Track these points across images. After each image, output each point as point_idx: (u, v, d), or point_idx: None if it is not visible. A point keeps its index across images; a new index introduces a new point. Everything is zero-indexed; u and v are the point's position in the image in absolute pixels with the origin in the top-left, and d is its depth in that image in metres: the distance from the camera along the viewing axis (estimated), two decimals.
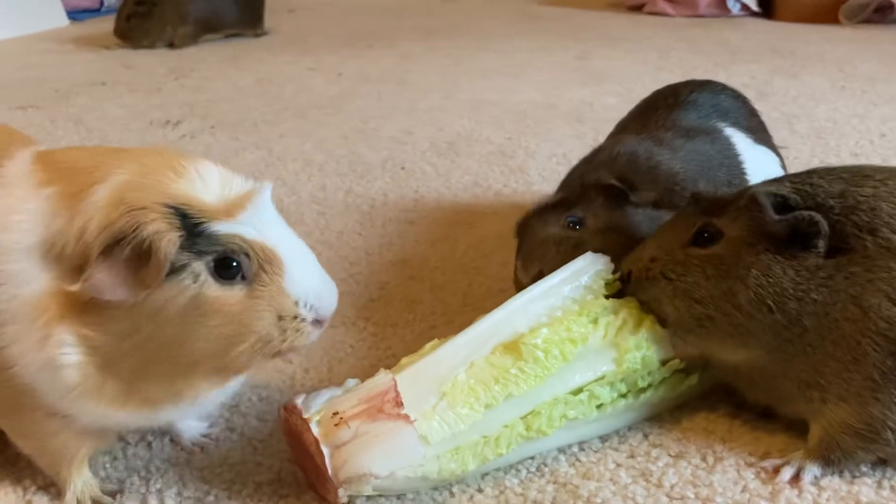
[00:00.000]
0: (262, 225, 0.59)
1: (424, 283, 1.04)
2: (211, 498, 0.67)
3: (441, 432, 0.64)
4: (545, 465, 0.71)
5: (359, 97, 1.99)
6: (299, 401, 0.65)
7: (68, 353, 0.56)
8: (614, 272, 0.76)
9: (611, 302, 0.74)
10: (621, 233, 0.82)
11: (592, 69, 2.20)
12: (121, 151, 0.62)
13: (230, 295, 0.57)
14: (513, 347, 0.68)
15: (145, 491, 0.68)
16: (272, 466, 0.70)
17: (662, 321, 0.73)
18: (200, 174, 0.59)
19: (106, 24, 2.86)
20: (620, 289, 0.76)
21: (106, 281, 0.53)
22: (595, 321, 0.72)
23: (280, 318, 0.59)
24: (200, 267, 0.56)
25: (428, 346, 0.71)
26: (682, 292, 0.70)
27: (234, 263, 0.57)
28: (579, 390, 0.69)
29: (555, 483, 0.69)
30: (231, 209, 0.58)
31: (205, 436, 0.74)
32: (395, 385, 0.65)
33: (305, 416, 0.64)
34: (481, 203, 1.30)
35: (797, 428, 0.72)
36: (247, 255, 0.57)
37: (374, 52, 2.55)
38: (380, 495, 0.66)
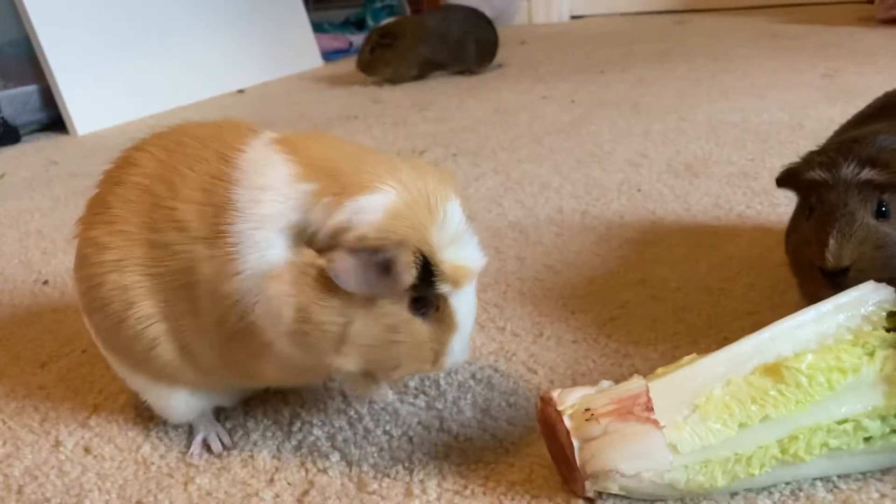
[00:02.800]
0: (460, 297, 0.71)
1: (666, 304, 1.03)
2: (468, 492, 0.72)
3: (691, 443, 0.65)
4: (800, 490, 0.69)
5: (592, 122, 2.01)
6: (555, 394, 0.69)
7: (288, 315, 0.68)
8: None
9: (891, 335, 0.69)
10: None
11: (841, 86, 2.07)
12: (376, 160, 0.72)
13: (416, 322, 0.70)
14: (774, 370, 0.67)
15: (409, 480, 0.74)
16: (523, 468, 0.74)
17: None
18: (447, 222, 0.70)
19: (354, 63, 3.11)
20: None
21: (347, 271, 0.65)
22: (871, 354, 0.67)
23: (436, 355, 0.71)
24: (406, 295, 0.69)
25: (686, 358, 0.71)
26: None
27: (425, 308, 0.70)
28: (844, 420, 0.66)
29: None
30: (456, 280, 0.69)
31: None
32: (648, 391, 0.67)
33: (560, 408, 0.68)
34: (723, 224, 1.27)
35: None
36: (437, 308, 0.70)
37: (607, 77, 2.57)
38: (625, 496, 0.67)
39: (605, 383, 0.71)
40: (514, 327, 1.01)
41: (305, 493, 0.74)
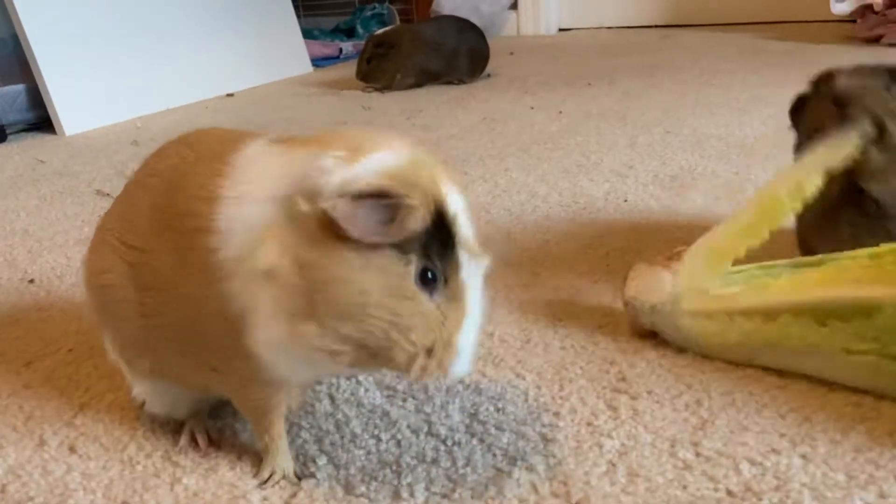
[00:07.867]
0: (472, 278, 0.63)
1: None
2: (456, 495, 0.72)
3: (692, 282, 0.90)
4: (787, 497, 0.69)
5: (579, 133, 2.03)
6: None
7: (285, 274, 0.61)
8: None
9: None
10: None
11: None
12: (370, 134, 0.67)
13: (422, 296, 0.61)
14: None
15: (397, 483, 0.74)
16: (511, 473, 0.74)
17: None
18: (457, 193, 0.64)
19: (344, 70, 3.12)
20: None
21: (351, 216, 0.58)
22: None
23: (430, 349, 0.62)
24: (415, 261, 0.60)
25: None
26: None
27: (434, 283, 0.61)
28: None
29: None
30: (473, 248, 0.63)
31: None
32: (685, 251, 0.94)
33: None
34: None
35: None
36: (447, 287, 0.62)
37: (594, 89, 2.59)
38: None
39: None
40: (501, 333, 1.02)
41: (293, 495, 0.74)
